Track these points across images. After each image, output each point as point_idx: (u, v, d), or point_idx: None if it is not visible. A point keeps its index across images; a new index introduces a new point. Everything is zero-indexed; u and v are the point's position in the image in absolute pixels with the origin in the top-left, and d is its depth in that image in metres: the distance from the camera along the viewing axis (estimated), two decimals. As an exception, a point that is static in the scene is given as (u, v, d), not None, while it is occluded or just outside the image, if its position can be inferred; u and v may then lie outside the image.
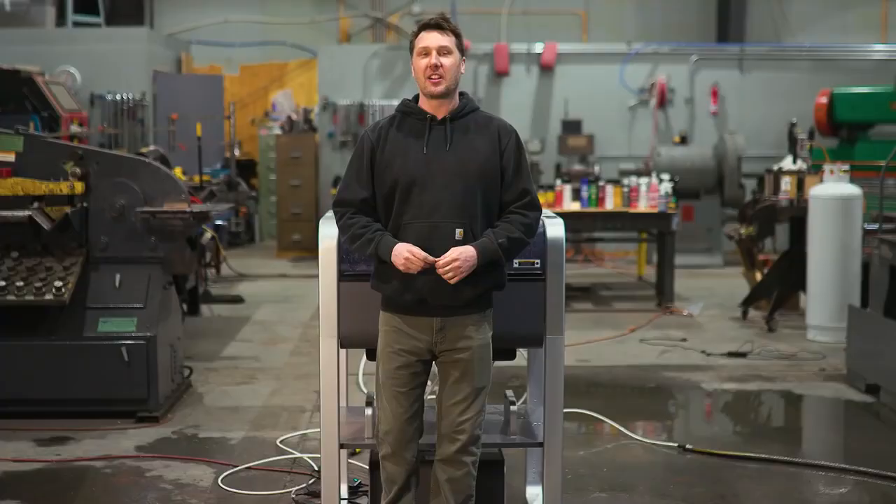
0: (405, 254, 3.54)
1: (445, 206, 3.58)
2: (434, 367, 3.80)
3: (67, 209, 6.08)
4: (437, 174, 3.60)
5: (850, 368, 7.06)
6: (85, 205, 6.15)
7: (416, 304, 3.64)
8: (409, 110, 3.72)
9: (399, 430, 3.70)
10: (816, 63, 14.02)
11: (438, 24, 3.64)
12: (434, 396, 3.83)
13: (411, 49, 3.68)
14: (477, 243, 3.59)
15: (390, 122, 3.72)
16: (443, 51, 3.62)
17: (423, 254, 3.54)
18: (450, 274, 3.54)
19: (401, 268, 3.56)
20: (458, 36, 3.67)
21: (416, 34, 3.67)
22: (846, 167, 8.46)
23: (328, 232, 3.96)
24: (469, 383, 3.69)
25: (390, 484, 3.77)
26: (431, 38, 3.62)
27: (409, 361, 3.69)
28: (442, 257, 3.55)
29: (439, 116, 3.67)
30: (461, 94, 3.74)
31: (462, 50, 3.68)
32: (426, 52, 3.62)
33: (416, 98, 3.73)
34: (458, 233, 3.58)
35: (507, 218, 3.68)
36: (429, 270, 3.58)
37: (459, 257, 3.54)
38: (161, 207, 6.19)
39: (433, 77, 3.61)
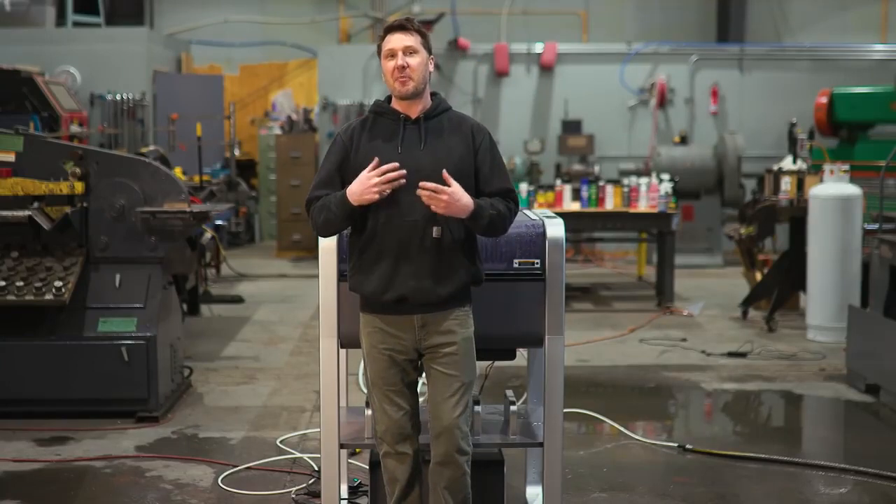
0: (370, 182, 3.50)
1: (421, 204, 3.55)
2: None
3: (67, 209, 6.08)
4: (412, 173, 3.58)
5: (850, 368, 7.06)
6: (85, 205, 6.15)
7: (396, 302, 3.64)
8: (381, 111, 3.73)
9: (396, 428, 3.70)
10: (816, 63, 14.03)
11: (402, 25, 3.66)
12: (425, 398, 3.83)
13: (379, 52, 3.70)
14: (476, 199, 3.58)
15: (363, 123, 3.74)
16: (408, 51, 3.62)
17: (387, 165, 3.51)
18: (435, 201, 3.49)
19: (375, 196, 3.51)
20: (423, 35, 3.67)
21: (382, 37, 3.68)
22: (846, 167, 8.46)
23: (328, 232, 3.96)
24: (457, 378, 3.69)
25: (393, 483, 3.76)
26: (396, 40, 3.64)
27: (395, 360, 3.70)
28: (433, 185, 3.49)
29: (412, 116, 3.67)
30: (433, 94, 3.75)
31: (429, 49, 3.69)
32: (392, 54, 3.64)
33: (389, 99, 3.75)
34: (436, 230, 3.58)
35: (496, 200, 3.66)
36: (408, 268, 3.58)
37: (456, 192, 3.50)
38: (161, 207, 6.19)
39: (401, 78, 3.61)
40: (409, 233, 3.59)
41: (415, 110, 3.68)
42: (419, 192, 3.50)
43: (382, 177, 3.52)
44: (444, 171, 3.53)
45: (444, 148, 3.66)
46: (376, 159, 3.55)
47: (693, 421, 6.71)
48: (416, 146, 3.65)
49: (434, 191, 3.48)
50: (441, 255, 3.61)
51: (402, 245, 3.60)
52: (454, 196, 3.50)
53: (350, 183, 3.63)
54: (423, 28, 3.69)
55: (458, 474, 3.70)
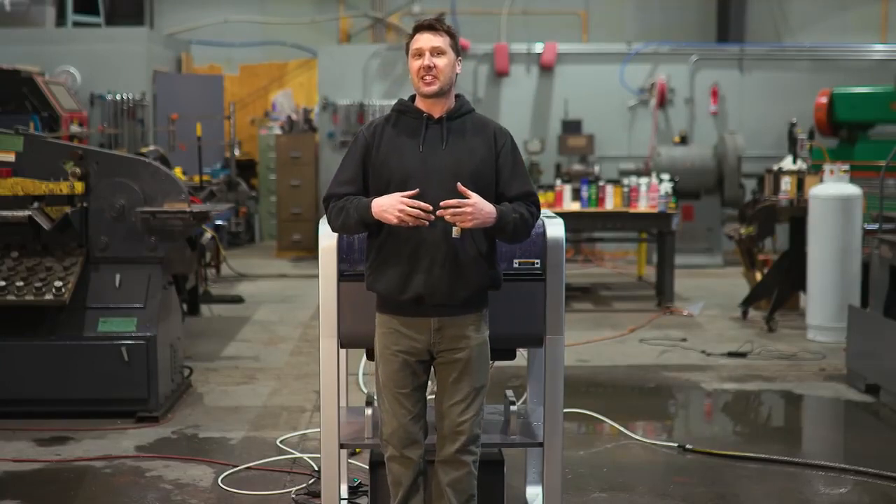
0: (398, 206, 3.49)
1: (441, 203, 3.55)
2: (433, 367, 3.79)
3: (67, 209, 6.08)
4: (433, 172, 3.59)
5: (850, 368, 7.06)
6: (85, 205, 6.15)
7: (414, 304, 3.63)
8: (405, 109, 3.72)
9: (403, 431, 3.69)
10: (816, 63, 14.03)
11: (431, 25, 3.65)
12: (433, 397, 3.83)
13: (407, 51, 3.70)
14: (496, 206, 3.57)
15: (386, 121, 3.73)
16: (436, 51, 3.61)
17: (418, 202, 3.49)
18: (458, 217, 3.48)
19: (395, 222, 3.51)
20: (452, 36, 3.66)
21: (411, 36, 3.68)
22: (846, 167, 8.46)
23: (328, 232, 3.96)
24: (468, 383, 3.68)
25: (396, 486, 3.74)
26: (424, 40, 3.63)
27: (408, 363, 3.69)
28: (454, 201, 3.48)
29: (435, 116, 3.67)
30: (457, 95, 3.74)
31: (457, 50, 3.68)
32: (419, 54, 3.63)
33: (413, 98, 3.74)
34: (455, 230, 3.55)
35: (517, 205, 3.66)
36: (426, 268, 3.57)
37: (476, 203, 3.49)
38: (161, 207, 6.20)
39: (426, 78, 3.61)
40: (429, 232, 3.56)
41: (438, 110, 3.67)
42: (441, 213, 3.48)
43: (412, 210, 3.48)
44: (459, 184, 3.50)
45: (466, 149, 3.65)
46: (417, 191, 3.51)
47: (693, 421, 6.71)
48: (438, 145, 3.64)
49: (456, 206, 3.46)
50: (460, 256, 3.60)
51: (420, 244, 3.58)
52: (477, 206, 3.49)
53: (371, 180, 3.64)
54: (452, 29, 3.68)
55: (462, 474, 3.69)
